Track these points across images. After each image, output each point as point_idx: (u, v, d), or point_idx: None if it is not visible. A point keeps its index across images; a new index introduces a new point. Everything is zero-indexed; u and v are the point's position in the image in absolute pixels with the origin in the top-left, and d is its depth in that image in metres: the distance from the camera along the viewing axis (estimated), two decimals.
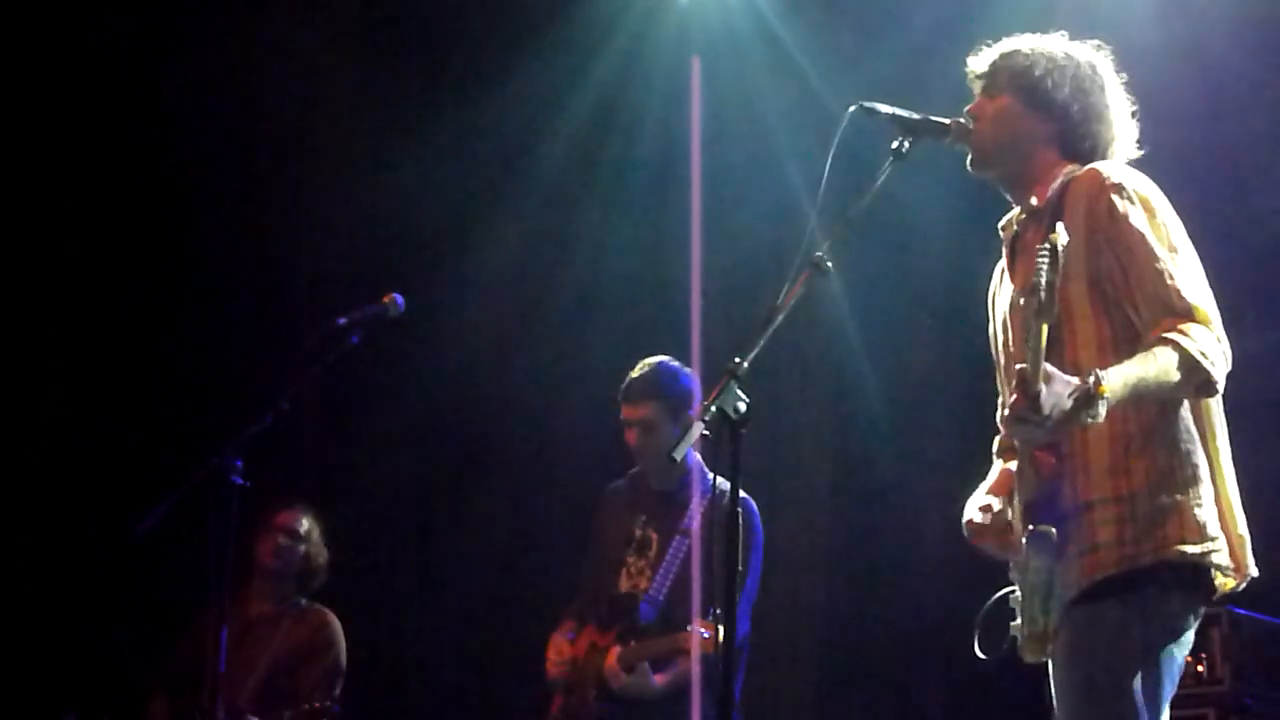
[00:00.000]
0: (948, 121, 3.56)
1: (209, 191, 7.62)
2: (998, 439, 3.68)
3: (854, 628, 7.25)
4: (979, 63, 3.65)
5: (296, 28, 7.73)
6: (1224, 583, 3.33)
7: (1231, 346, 3.29)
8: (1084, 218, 3.38)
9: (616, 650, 5.34)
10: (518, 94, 7.60)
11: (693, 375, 5.54)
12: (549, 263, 7.86)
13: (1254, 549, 3.38)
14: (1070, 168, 3.51)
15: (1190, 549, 3.28)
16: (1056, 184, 3.49)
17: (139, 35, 7.47)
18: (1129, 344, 3.30)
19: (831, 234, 3.41)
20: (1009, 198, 3.63)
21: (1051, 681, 3.38)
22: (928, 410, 7.26)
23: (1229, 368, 3.28)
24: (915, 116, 3.53)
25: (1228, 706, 5.62)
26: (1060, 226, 3.12)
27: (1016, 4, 6.07)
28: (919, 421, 7.28)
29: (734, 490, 3.24)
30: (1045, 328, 3.06)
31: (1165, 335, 3.23)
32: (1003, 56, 3.62)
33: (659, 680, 5.29)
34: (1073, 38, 3.65)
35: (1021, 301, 3.35)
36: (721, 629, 3.27)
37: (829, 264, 3.36)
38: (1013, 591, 3.44)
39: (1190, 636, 3.34)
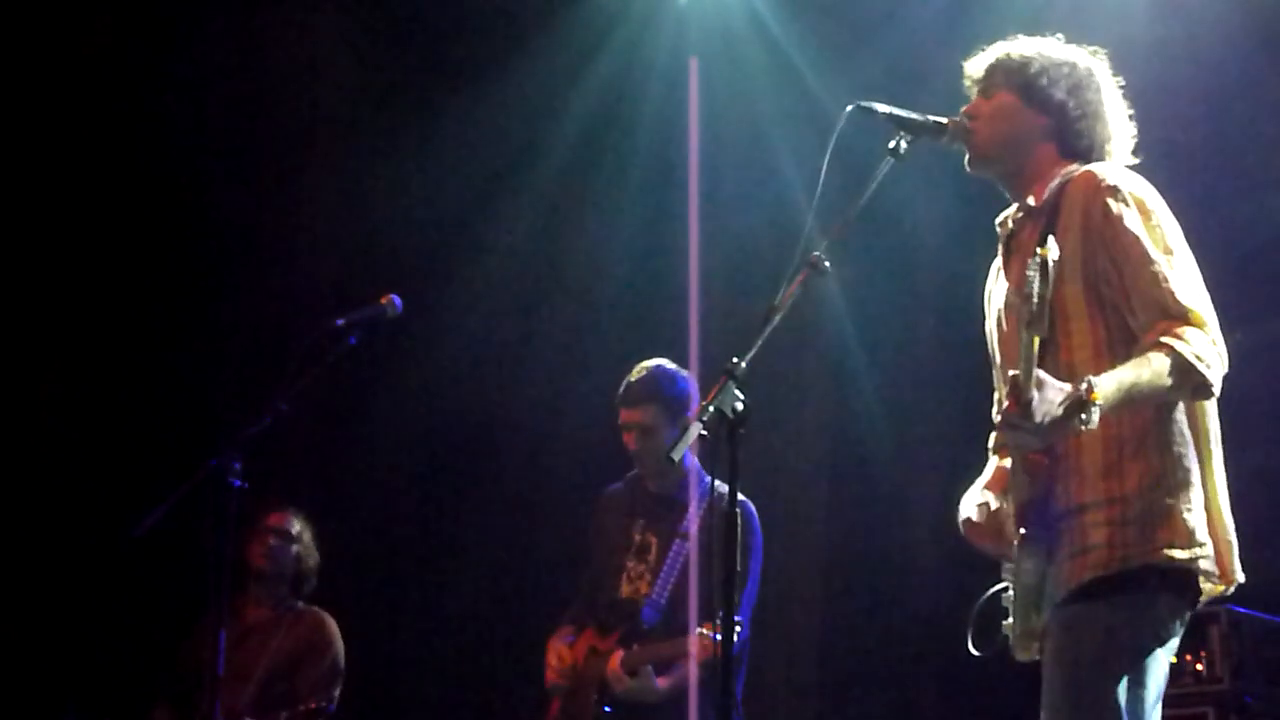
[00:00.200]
0: (945, 120, 3.56)
1: (209, 192, 7.62)
2: (993, 435, 3.68)
3: (853, 628, 7.25)
4: (975, 67, 3.64)
5: (297, 28, 7.73)
6: (1210, 589, 3.34)
7: (1229, 347, 3.29)
8: (1079, 220, 3.38)
9: (619, 654, 5.33)
10: (517, 95, 7.60)
11: (690, 378, 5.53)
12: (547, 263, 7.86)
13: (1253, 547, 3.38)
14: (1068, 167, 3.51)
15: (1179, 554, 3.27)
16: (1054, 184, 3.49)
17: (139, 36, 7.48)
18: (1124, 346, 3.30)
19: (829, 234, 3.42)
20: (1007, 195, 3.63)
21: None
22: (926, 410, 7.25)
23: (1225, 370, 3.27)
24: (912, 116, 3.53)
25: (1227, 705, 5.62)
26: (1051, 240, 3.12)
27: (1012, 4, 6.08)
28: (918, 421, 7.28)
29: (732, 493, 3.24)
30: (1036, 340, 3.06)
31: (1160, 339, 3.22)
32: (999, 57, 3.62)
33: (662, 683, 5.28)
34: (1069, 38, 3.65)
35: (1015, 301, 3.35)
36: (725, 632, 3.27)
37: (827, 264, 3.37)
38: (1006, 589, 3.44)
39: (1175, 642, 3.33)
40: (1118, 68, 3.65)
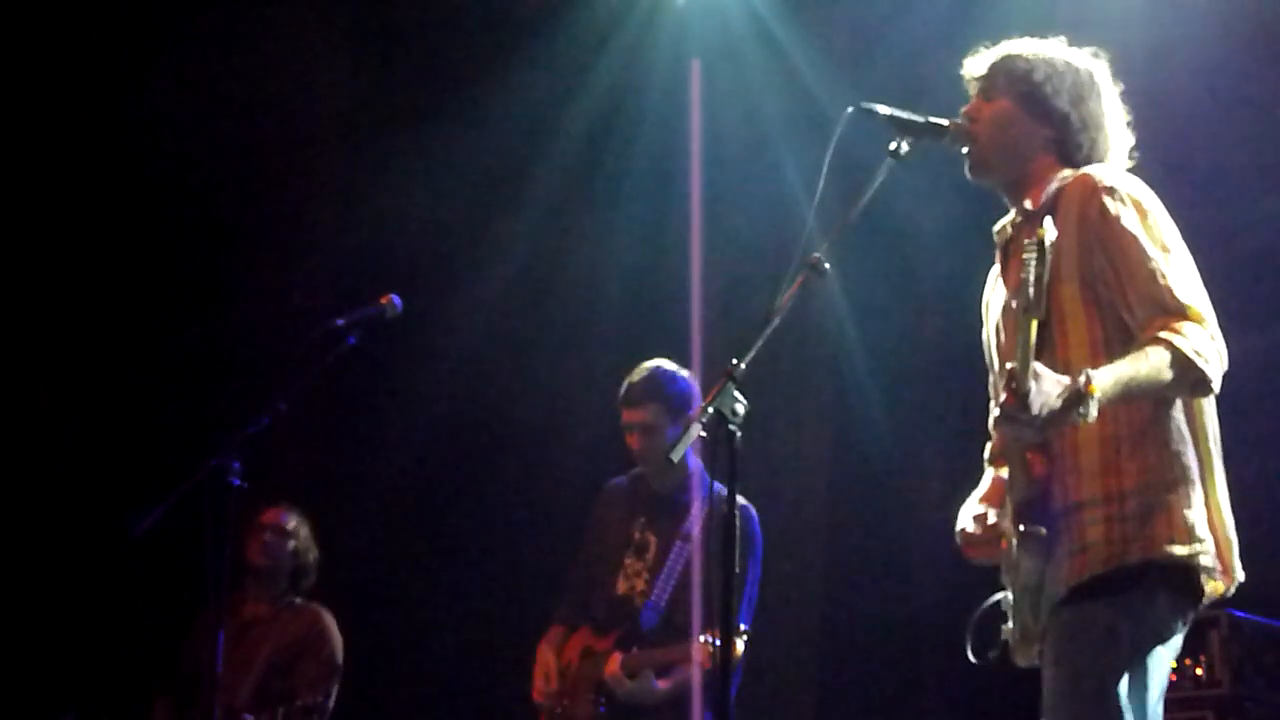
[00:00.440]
0: (945, 122, 3.56)
1: (209, 193, 7.62)
2: (989, 445, 3.67)
3: (853, 628, 7.24)
4: (976, 65, 3.64)
5: (298, 31, 7.73)
6: (1213, 586, 3.33)
7: (1229, 347, 3.28)
8: (1076, 220, 3.38)
9: (618, 656, 5.33)
10: (518, 97, 7.59)
11: (691, 378, 5.53)
12: (548, 265, 7.86)
13: (1253, 550, 3.38)
14: (1065, 173, 3.51)
15: (1178, 549, 3.27)
16: (1051, 188, 3.49)
17: (141, 39, 7.48)
18: (1122, 345, 3.29)
19: (829, 235, 3.42)
20: (1006, 201, 3.63)
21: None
22: (927, 411, 7.25)
23: (1225, 366, 3.27)
24: (913, 117, 3.53)
25: (1227, 709, 5.62)
26: (1048, 221, 3.11)
27: (1014, 6, 6.08)
28: (918, 422, 7.27)
29: (731, 494, 3.23)
30: (1034, 323, 3.05)
31: (1158, 334, 3.22)
32: (1001, 60, 3.61)
33: (662, 686, 5.28)
34: (1070, 40, 3.65)
35: (1014, 304, 3.35)
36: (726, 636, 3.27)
37: (827, 265, 3.37)
38: (1005, 596, 3.43)
39: (1178, 641, 3.33)
40: (1118, 71, 3.65)
